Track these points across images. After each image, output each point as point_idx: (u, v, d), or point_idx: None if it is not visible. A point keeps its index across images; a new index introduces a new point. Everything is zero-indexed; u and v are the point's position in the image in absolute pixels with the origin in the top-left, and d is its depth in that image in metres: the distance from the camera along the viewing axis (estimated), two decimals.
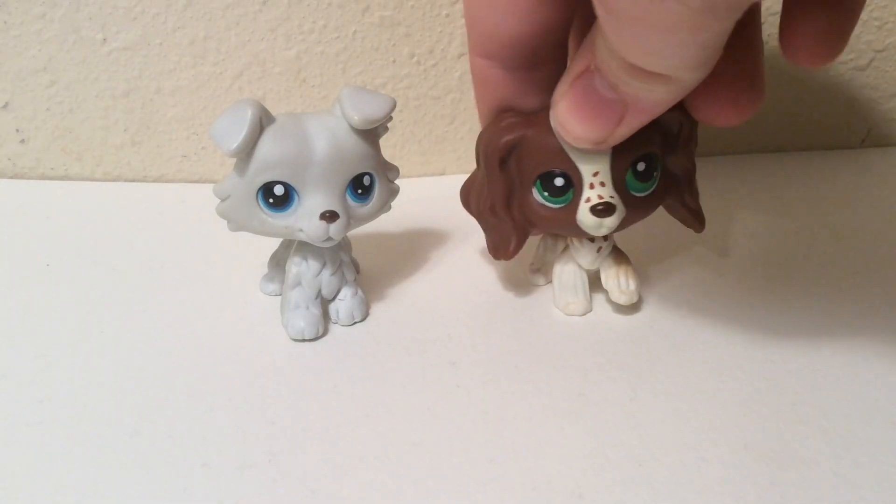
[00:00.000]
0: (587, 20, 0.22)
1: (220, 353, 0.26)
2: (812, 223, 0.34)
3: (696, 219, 0.27)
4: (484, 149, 0.25)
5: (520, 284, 0.29)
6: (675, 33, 0.17)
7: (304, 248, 0.26)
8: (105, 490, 0.20)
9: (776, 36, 0.22)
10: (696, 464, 0.21)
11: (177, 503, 0.20)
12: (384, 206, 0.27)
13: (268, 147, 0.24)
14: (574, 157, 0.24)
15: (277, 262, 0.29)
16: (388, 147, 0.27)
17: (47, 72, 0.36)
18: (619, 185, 0.24)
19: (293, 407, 0.23)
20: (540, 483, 0.21)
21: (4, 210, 0.36)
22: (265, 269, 0.29)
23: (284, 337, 0.27)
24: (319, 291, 0.27)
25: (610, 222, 0.24)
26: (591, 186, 0.24)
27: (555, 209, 0.25)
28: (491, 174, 0.25)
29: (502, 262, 0.29)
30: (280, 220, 0.25)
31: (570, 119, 0.22)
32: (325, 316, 0.27)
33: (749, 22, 0.22)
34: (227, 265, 0.31)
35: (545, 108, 0.24)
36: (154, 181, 0.39)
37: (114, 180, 0.39)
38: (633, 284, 0.27)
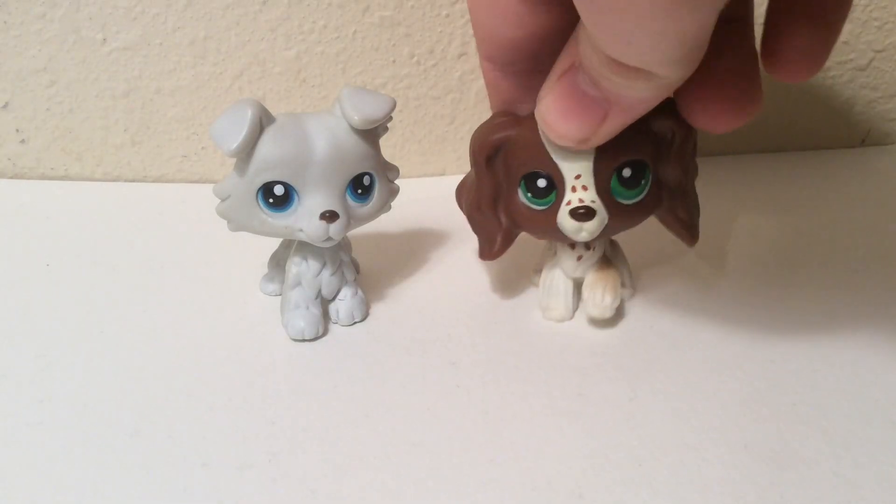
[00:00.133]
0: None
1: (220, 353, 0.26)
2: (812, 223, 0.34)
3: (688, 232, 0.26)
4: (472, 147, 0.25)
5: (520, 285, 0.29)
6: (650, 20, 0.17)
7: (304, 248, 0.26)
8: (105, 490, 0.20)
9: (763, 37, 0.22)
10: (696, 464, 0.21)
11: (177, 503, 0.20)
12: (384, 206, 0.27)
13: (268, 147, 0.24)
14: (557, 158, 0.24)
15: (277, 262, 0.29)
16: (388, 147, 0.27)
17: (47, 72, 0.36)
18: (602, 190, 0.24)
19: (293, 407, 0.23)
20: (540, 483, 0.21)
21: (4, 210, 0.36)
22: (265, 269, 0.29)
23: (284, 337, 0.27)
24: (319, 291, 0.27)
25: (590, 227, 0.24)
26: (573, 189, 0.24)
27: (538, 211, 0.25)
28: (479, 172, 0.25)
29: (502, 262, 0.29)
30: (280, 220, 0.25)
31: (553, 116, 0.22)
32: (325, 316, 0.27)
33: (742, 25, 0.22)
34: (227, 265, 0.31)
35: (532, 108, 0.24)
36: (154, 181, 0.39)
37: (114, 180, 0.39)
38: (608, 299, 0.26)
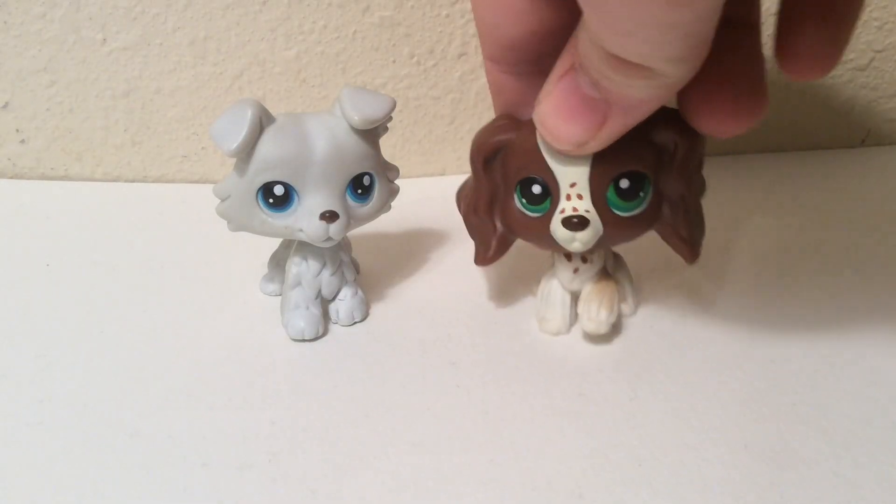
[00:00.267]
0: None
1: (220, 353, 0.26)
2: (812, 223, 0.34)
3: (688, 250, 0.25)
4: (471, 149, 0.25)
5: (520, 285, 0.29)
6: (650, 7, 0.17)
7: (304, 248, 0.26)
8: (105, 490, 0.20)
9: (775, 36, 0.22)
10: (696, 464, 0.21)
11: (177, 503, 0.20)
12: (384, 206, 0.27)
13: (268, 147, 0.24)
14: (553, 164, 0.23)
15: (277, 262, 0.29)
16: (388, 147, 0.27)
17: (47, 72, 0.36)
18: (598, 200, 0.23)
19: (293, 407, 0.23)
20: (540, 483, 0.21)
21: (4, 210, 0.36)
22: (265, 269, 0.29)
23: (284, 337, 0.27)
24: (319, 291, 0.27)
25: (582, 237, 0.23)
26: (568, 198, 0.23)
27: (532, 218, 0.24)
28: (476, 175, 0.25)
29: (503, 264, 0.29)
30: (280, 220, 0.25)
31: (551, 118, 0.22)
32: (325, 316, 0.27)
33: (748, 29, 0.22)
34: (227, 265, 0.31)
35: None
36: (154, 181, 0.39)
37: (114, 180, 0.39)
38: (604, 314, 0.25)
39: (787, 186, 0.38)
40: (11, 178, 0.38)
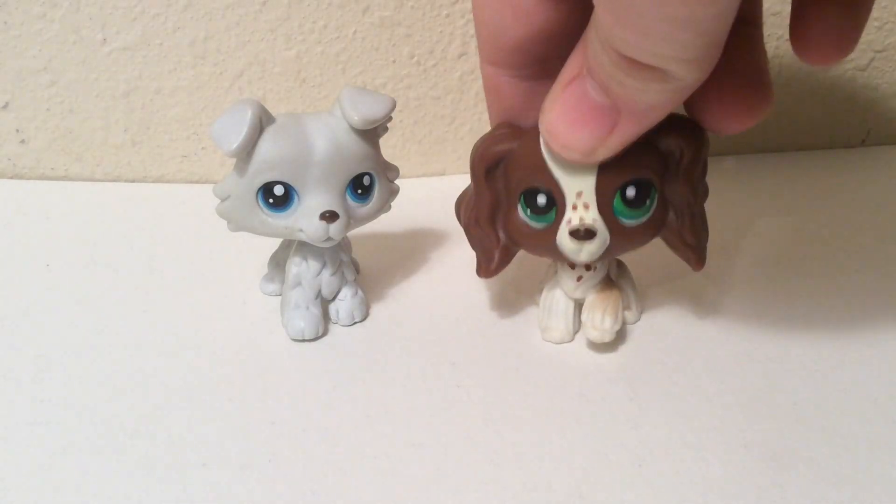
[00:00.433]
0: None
1: (220, 353, 0.26)
2: (812, 223, 0.34)
3: (694, 256, 0.25)
4: (472, 159, 0.24)
5: (520, 285, 0.29)
6: (668, 4, 0.16)
7: (304, 248, 0.26)
8: (105, 490, 0.20)
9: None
10: (696, 464, 0.21)
11: (177, 503, 0.20)
12: (384, 206, 0.27)
13: (268, 147, 0.24)
14: (558, 174, 0.23)
15: (277, 263, 0.29)
16: (388, 147, 0.27)
17: (47, 72, 0.36)
18: (605, 209, 0.23)
19: (293, 407, 0.23)
20: (540, 483, 0.21)
21: (4, 210, 0.36)
22: (265, 269, 0.29)
23: (284, 337, 0.27)
24: (319, 291, 0.27)
25: (590, 248, 0.23)
26: (574, 208, 0.23)
27: (537, 229, 0.24)
28: (477, 186, 0.25)
29: None
30: (280, 220, 0.25)
31: (559, 125, 0.21)
32: (325, 316, 0.27)
33: (751, 25, 0.22)
34: (227, 265, 0.31)
35: (534, 120, 0.23)
36: (154, 181, 0.39)
37: (114, 180, 0.39)
38: (608, 322, 0.25)
39: (787, 186, 0.38)
40: (11, 178, 0.38)
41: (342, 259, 0.27)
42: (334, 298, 0.27)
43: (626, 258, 0.27)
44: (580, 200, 0.23)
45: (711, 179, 0.25)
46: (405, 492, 0.20)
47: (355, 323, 0.27)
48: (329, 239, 0.25)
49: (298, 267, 0.26)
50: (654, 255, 0.25)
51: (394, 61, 0.38)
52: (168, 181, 0.39)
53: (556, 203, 0.23)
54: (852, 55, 0.40)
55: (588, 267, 0.25)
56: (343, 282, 0.27)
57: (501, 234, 0.25)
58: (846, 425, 0.22)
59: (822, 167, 0.41)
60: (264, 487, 0.21)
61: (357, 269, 0.28)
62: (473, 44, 0.37)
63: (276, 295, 0.29)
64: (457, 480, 0.21)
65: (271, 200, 0.24)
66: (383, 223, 0.28)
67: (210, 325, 0.27)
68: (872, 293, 0.29)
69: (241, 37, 0.36)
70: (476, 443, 0.22)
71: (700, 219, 0.25)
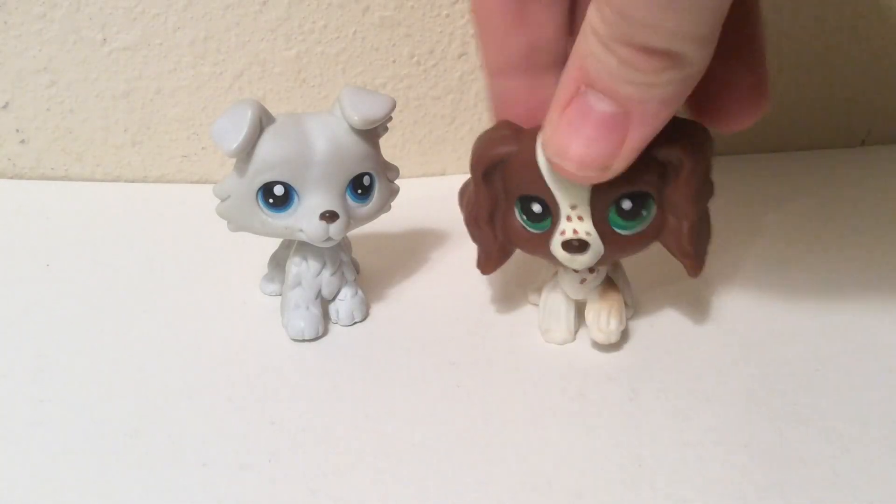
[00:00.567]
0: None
1: (220, 353, 0.26)
2: (812, 223, 0.34)
3: (691, 262, 0.24)
4: (471, 159, 0.24)
5: (520, 285, 0.29)
6: None
7: (304, 248, 0.26)
8: (105, 490, 0.20)
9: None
10: (696, 464, 0.21)
11: (177, 503, 0.20)
12: (384, 206, 0.27)
13: (268, 147, 0.24)
14: (552, 185, 0.22)
15: (277, 263, 0.29)
16: (388, 147, 0.27)
17: (47, 72, 0.36)
18: (599, 221, 0.23)
19: (293, 407, 0.23)
20: (540, 483, 0.21)
21: (4, 210, 0.36)
22: (265, 269, 0.29)
23: (284, 337, 0.27)
24: (319, 291, 0.27)
25: (582, 259, 0.23)
26: (569, 219, 0.23)
27: (533, 234, 0.24)
28: (476, 186, 0.24)
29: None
30: (280, 220, 0.25)
31: (568, 147, 0.21)
32: (325, 316, 0.27)
33: (751, 22, 0.22)
34: (227, 265, 0.31)
35: (537, 123, 0.22)
36: (154, 181, 0.39)
37: (114, 180, 0.39)
38: (613, 323, 0.25)
39: (787, 186, 0.38)
40: (11, 178, 0.38)
41: (342, 259, 0.27)
42: (334, 298, 0.27)
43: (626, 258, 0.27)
44: (574, 212, 0.23)
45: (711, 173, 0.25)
46: (405, 492, 0.20)
47: (355, 323, 0.27)
48: (329, 239, 0.25)
49: (298, 267, 0.26)
50: (654, 256, 0.25)
51: (394, 61, 0.38)
52: (168, 181, 0.39)
53: (550, 212, 0.23)
54: (853, 55, 0.41)
55: (591, 269, 0.25)
56: (343, 282, 0.27)
57: (499, 234, 0.25)
58: (846, 425, 0.22)
59: (822, 167, 0.41)
60: (264, 487, 0.21)
61: (357, 269, 0.28)
62: (473, 44, 0.37)
63: (276, 295, 0.29)
64: (457, 480, 0.21)
65: (271, 200, 0.24)
66: (383, 223, 0.28)
67: (210, 325, 0.27)
68: (872, 293, 0.29)
69: (241, 37, 0.36)
70: (476, 443, 0.22)
71: (703, 224, 0.24)
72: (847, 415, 0.23)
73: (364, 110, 0.24)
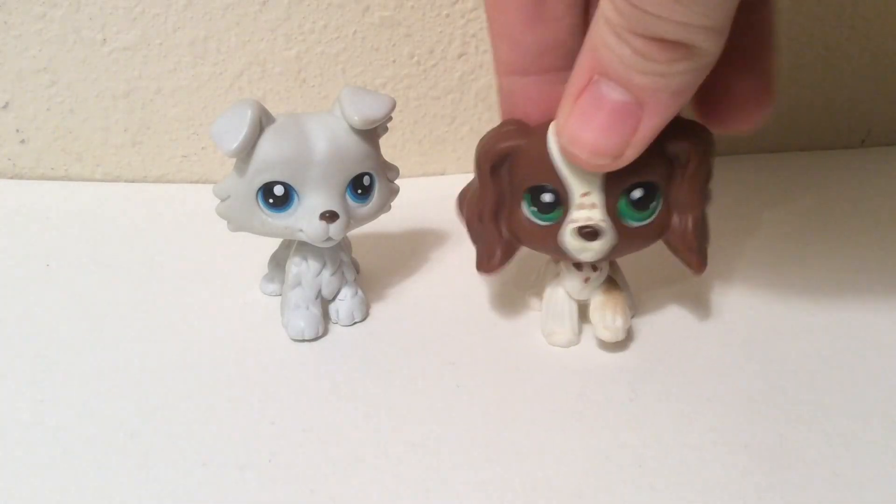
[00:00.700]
0: None
1: (220, 353, 0.26)
2: (812, 223, 0.34)
3: (696, 259, 0.24)
4: (478, 154, 0.24)
5: (521, 285, 0.29)
6: None
7: (304, 248, 0.26)
8: (105, 490, 0.20)
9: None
10: (697, 464, 0.21)
11: (177, 503, 0.20)
12: (384, 206, 0.27)
13: (268, 147, 0.24)
14: (564, 173, 0.23)
15: (277, 263, 0.29)
16: (388, 147, 0.27)
17: (47, 72, 0.36)
18: (611, 210, 0.23)
19: (293, 407, 0.23)
20: (540, 483, 0.21)
21: (4, 210, 0.36)
22: (265, 269, 0.29)
23: (284, 337, 0.27)
24: (319, 291, 0.27)
25: (595, 247, 0.23)
26: (581, 207, 0.23)
27: (542, 226, 0.24)
28: (482, 181, 0.24)
29: None
30: (280, 220, 0.25)
31: (582, 134, 0.21)
32: (325, 316, 0.27)
33: (761, 21, 0.22)
34: (227, 265, 0.31)
35: (547, 120, 0.23)
36: (154, 181, 0.39)
37: (114, 180, 0.39)
38: (619, 321, 0.25)
39: (787, 186, 0.38)
40: (11, 178, 0.38)
41: (342, 259, 0.27)
42: (334, 298, 0.27)
43: (627, 258, 0.27)
44: (586, 200, 0.23)
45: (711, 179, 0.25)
46: (405, 492, 0.20)
47: (355, 323, 0.27)
48: (329, 239, 0.25)
49: (298, 267, 0.26)
50: (654, 256, 0.25)
51: (394, 61, 0.38)
52: (168, 181, 0.39)
53: (561, 202, 0.23)
54: (853, 54, 0.41)
55: (594, 268, 0.25)
56: (343, 282, 0.27)
57: (504, 231, 0.25)
58: (846, 425, 0.22)
59: (822, 167, 0.41)
60: (264, 487, 0.21)
61: (357, 269, 0.28)
62: (473, 44, 0.37)
63: (276, 295, 0.29)
64: (457, 480, 0.21)
65: (271, 200, 0.24)
66: (383, 223, 0.28)
67: (210, 325, 0.27)
68: (872, 293, 0.29)
69: (241, 37, 0.36)
70: (476, 443, 0.22)
71: (702, 223, 0.25)
72: (847, 415, 0.23)
73: (364, 110, 0.24)
